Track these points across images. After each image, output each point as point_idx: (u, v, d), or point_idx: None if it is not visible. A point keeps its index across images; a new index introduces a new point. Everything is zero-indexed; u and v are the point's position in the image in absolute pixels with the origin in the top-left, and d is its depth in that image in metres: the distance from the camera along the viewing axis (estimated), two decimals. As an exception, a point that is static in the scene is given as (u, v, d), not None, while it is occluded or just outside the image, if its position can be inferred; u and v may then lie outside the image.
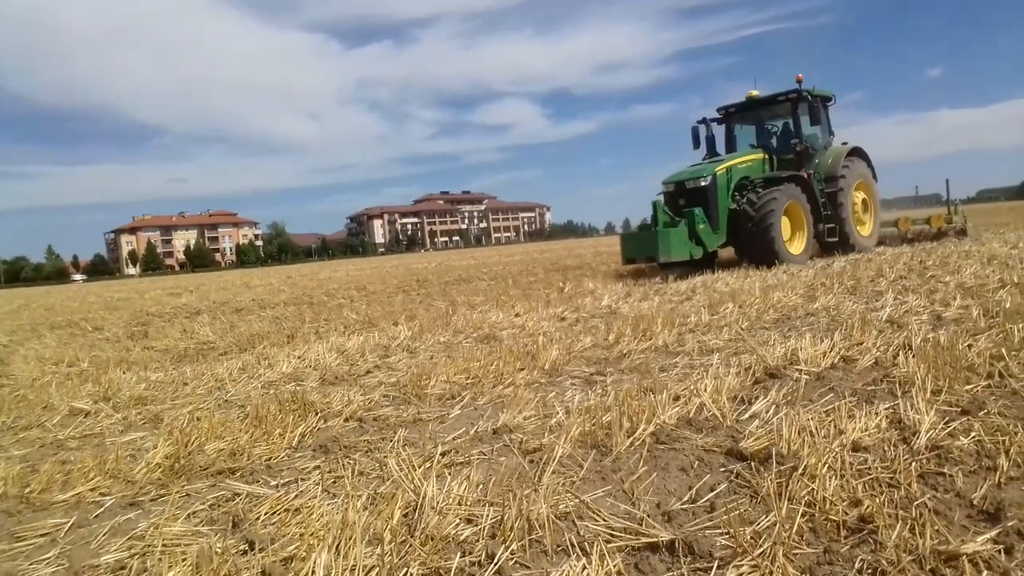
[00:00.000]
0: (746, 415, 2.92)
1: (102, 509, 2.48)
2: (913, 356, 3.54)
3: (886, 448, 2.40)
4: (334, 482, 2.57)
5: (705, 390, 3.22)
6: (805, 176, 11.21)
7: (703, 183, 10.58)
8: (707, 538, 1.88)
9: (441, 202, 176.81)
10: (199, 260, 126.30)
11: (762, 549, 1.78)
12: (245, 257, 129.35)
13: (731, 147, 12.63)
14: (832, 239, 11.56)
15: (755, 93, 12.28)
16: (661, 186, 11.24)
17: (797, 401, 3.03)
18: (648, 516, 2.04)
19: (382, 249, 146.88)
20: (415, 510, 2.17)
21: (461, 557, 1.90)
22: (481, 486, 2.34)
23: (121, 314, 12.83)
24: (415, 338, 5.91)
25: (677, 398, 3.21)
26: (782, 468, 2.26)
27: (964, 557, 1.67)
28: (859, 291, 6.65)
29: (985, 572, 1.63)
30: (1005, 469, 2.13)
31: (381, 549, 1.93)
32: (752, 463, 2.38)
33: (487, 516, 2.09)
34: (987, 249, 9.83)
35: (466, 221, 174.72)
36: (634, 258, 10.85)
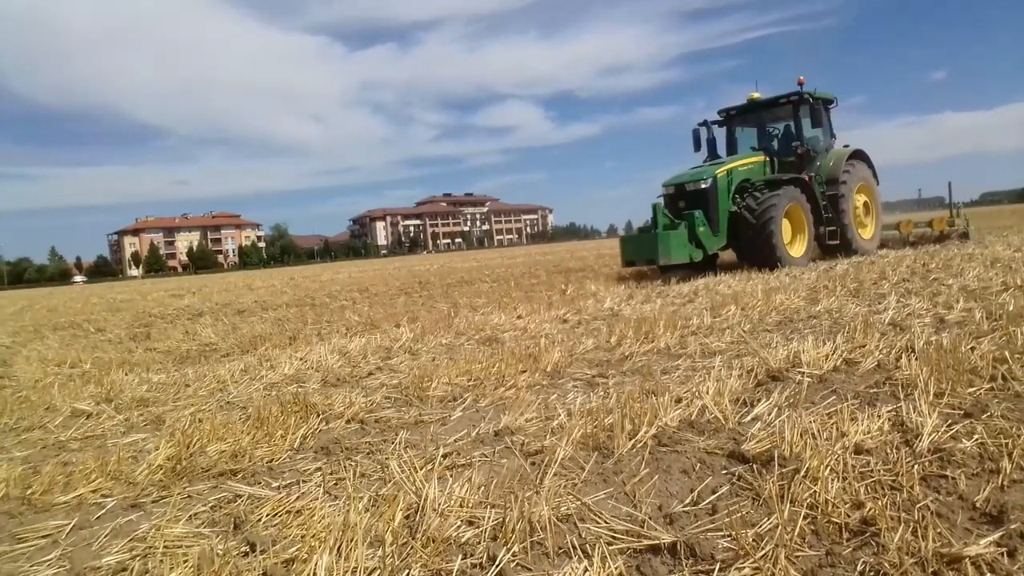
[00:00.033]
0: (748, 417, 2.92)
1: (104, 511, 2.49)
2: (916, 359, 3.53)
3: (888, 451, 2.40)
4: (336, 484, 2.57)
5: (707, 392, 3.22)
6: (806, 179, 11.20)
7: (703, 185, 10.55)
8: (709, 540, 1.87)
9: (444, 204, 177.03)
10: (202, 262, 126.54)
11: (764, 551, 1.77)
12: (248, 259, 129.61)
13: (732, 150, 12.62)
14: (833, 242, 11.53)
15: (756, 95, 12.28)
16: (661, 188, 11.23)
17: (799, 403, 3.02)
18: (650, 518, 2.03)
19: (384, 251, 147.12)
20: (417, 512, 2.16)
21: (463, 559, 1.90)
22: (483, 488, 2.33)
23: (123, 315, 12.85)
24: (417, 340, 5.91)
25: (679, 400, 3.21)
26: (784, 470, 2.25)
27: (967, 560, 1.66)
28: (862, 294, 6.64)
29: (988, 575, 1.63)
30: (1008, 472, 2.12)
31: (383, 551, 1.93)
32: (754, 465, 2.38)
33: (489, 518, 2.09)
34: (990, 252, 9.81)
35: (468, 223, 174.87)
36: (633, 260, 10.82)
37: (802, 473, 2.18)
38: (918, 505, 1.96)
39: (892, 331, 4.47)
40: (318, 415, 3.46)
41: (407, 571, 1.84)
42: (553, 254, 32.13)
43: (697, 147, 12.52)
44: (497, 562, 1.85)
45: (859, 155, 12.49)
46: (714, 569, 1.75)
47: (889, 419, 2.68)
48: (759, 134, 12.92)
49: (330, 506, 2.31)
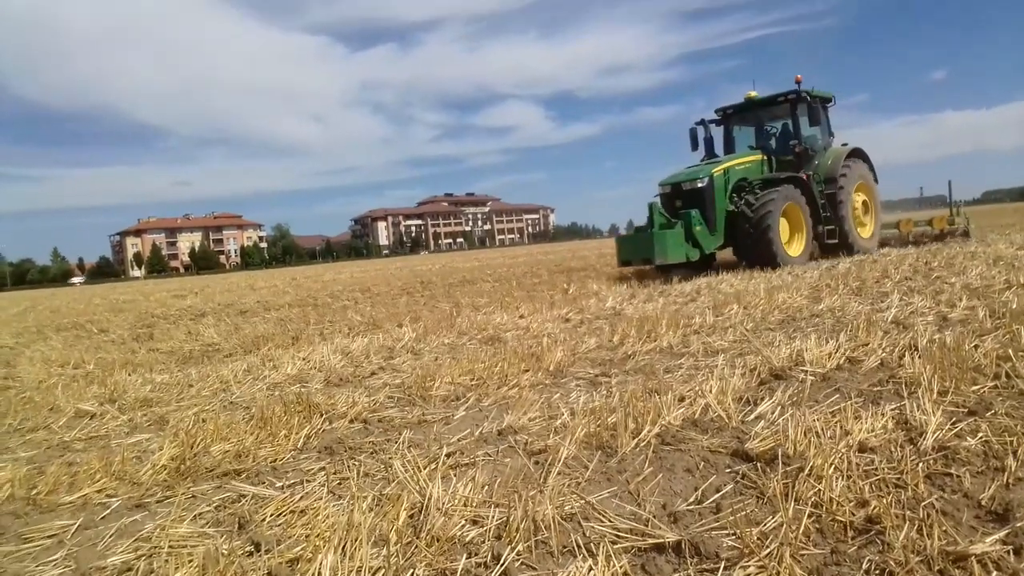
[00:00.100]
0: (752, 416, 2.91)
1: (108, 511, 2.49)
2: (919, 357, 3.52)
3: (893, 449, 2.39)
4: (339, 483, 2.57)
5: (710, 391, 3.22)
6: (804, 177, 11.15)
7: (700, 184, 10.50)
8: (713, 539, 1.87)
9: (445, 204, 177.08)
10: (204, 262, 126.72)
11: (769, 550, 1.77)
12: (250, 259, 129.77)
13: (730, 149, 12.56)
14: (832, 241, 11.48)
15: (754, 94, 12.22)
16: (657, 188, 11.20)
17: (803, 402, 3.02)
18: (654, 517, 2.03)
19: (386, 251, 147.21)
20: (421, 511, 2.17)
21: (467, 558, 1.90)
22: (486, 487, 2.33)
23: (126, 316, 12.87)
24: (419, 340, 5.91)
25: (682, 399, 3.20)
26: (788, 469, 2.25)
27: (973, 558, 1.66)
28: (864, 292, 6.63)
29: (994, 573, 1.63)
30: (1013, 470, 2.12)
31: (387, 550, 1.93)
32: (758, 464, 2.38)
33: (493, 517, 2.09)
34: (993, 250, 9.79)
35: (470, 223, 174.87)
36: (630, 260, 10.75)
37: (806, 472, 2.18)
38: (923, 503, 1.96)
39: (895, 329, 4.47)
40: (321, 415, 3.46)
41: (411, 570, 1.84)
42: (555, 254, 32.13)
43: (694, 146, 12.49)
44: (501, 561, 1.85)
45: (857, 154, 12.44)
46: (719, 568, 1.75)
47: (893, 417, 2.68)
48: (757, 133, 12.89)
49: (334, 506, 2.31)
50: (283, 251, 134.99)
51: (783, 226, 10.65)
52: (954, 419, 2.59)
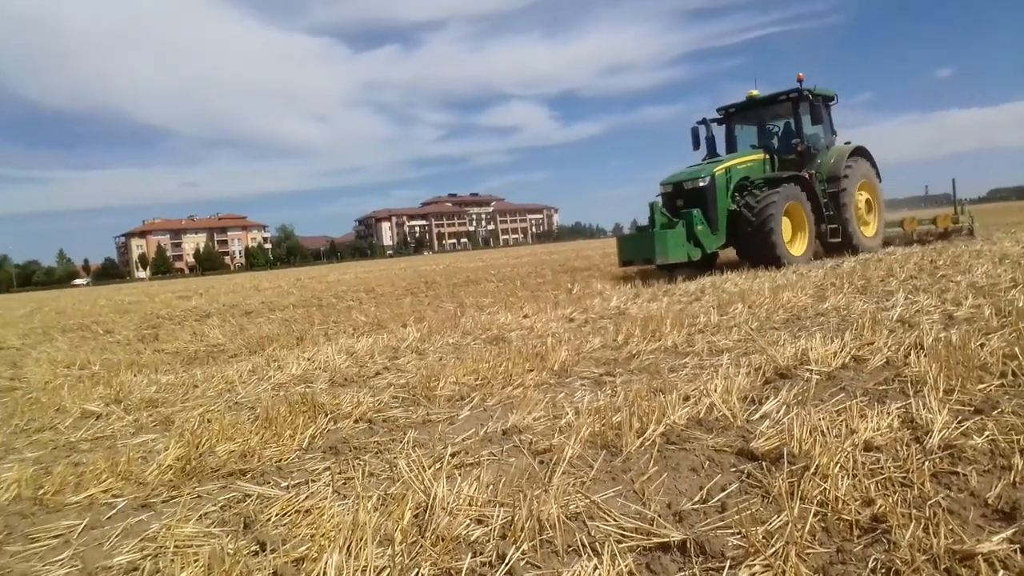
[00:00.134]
0: (757, 415, 2.91)
1: (114, 511, 2.50)
2: (925, 355, 3.51)
3: (898, 447, 2.38)
4: (344, 483, 2.57)
5: (715, 390, 3.21)
6: (806, 176, 11.10)
7: (701, 184, 10.46)
8: (719, 538, 1.87)
9: (449, 204, 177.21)
10: (208, 263, 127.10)
11: (774, 549, 1.77)
12: (254, 260, 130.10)
13: (731, 148, 12.52)
14: (835, 240, 11.43)
15: (755, 93, 12.16)
16: (659, 187, 11.17)
17: (808, 401, 3.01)
18: (659, 516, 2.03)
19: (390, 251, 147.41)
20: (425, 511, 2.17)
21: (472, 557, 1.90)
22: (491, 487, 2.33)
23: (131, 317, 12.91)
24: (424, 340, 5.91)
25: (687, 398, 3.20)
26: (794, 468, 2.25)
27: (979, 556, 1.65)
28: (869, 291, 6.61)
29: (1001, 572, 1.62)
30: (1020, 468, 2.11)
31: (392, 550, 1.93)
32: (763, 463, 2.37)
33: (497, 516, 2.09)
34: (998, 248, 9.75)
35: (474, 223, 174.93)
36: (631, 260, 10.72)
37: (812, 470, 2.18)
38: (929, 502, 1.95)
39: (900, 328, 4.45)
40: (326, 415, 3.47)
41: (417, 570, 1.85)
42: (559, 253, 32.11)
43: (696, 145, 12.44)
44: (506, 560, 1.85)
45: (860, 152, 12.38)
46: (724, 567, 1.75)
47: (899, 416, 2.67)
48: (759, 132, 12.83)
49: (339, 505, 2.31)
50: (287, 252, 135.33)
51: (785, 225, 10.61)
52: (960, 418, 2.58)
